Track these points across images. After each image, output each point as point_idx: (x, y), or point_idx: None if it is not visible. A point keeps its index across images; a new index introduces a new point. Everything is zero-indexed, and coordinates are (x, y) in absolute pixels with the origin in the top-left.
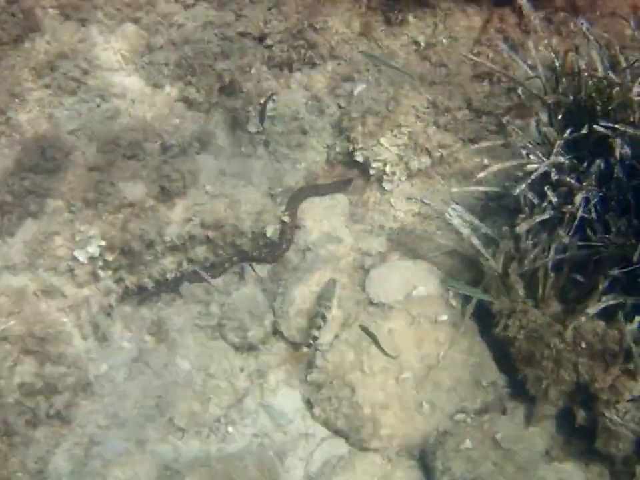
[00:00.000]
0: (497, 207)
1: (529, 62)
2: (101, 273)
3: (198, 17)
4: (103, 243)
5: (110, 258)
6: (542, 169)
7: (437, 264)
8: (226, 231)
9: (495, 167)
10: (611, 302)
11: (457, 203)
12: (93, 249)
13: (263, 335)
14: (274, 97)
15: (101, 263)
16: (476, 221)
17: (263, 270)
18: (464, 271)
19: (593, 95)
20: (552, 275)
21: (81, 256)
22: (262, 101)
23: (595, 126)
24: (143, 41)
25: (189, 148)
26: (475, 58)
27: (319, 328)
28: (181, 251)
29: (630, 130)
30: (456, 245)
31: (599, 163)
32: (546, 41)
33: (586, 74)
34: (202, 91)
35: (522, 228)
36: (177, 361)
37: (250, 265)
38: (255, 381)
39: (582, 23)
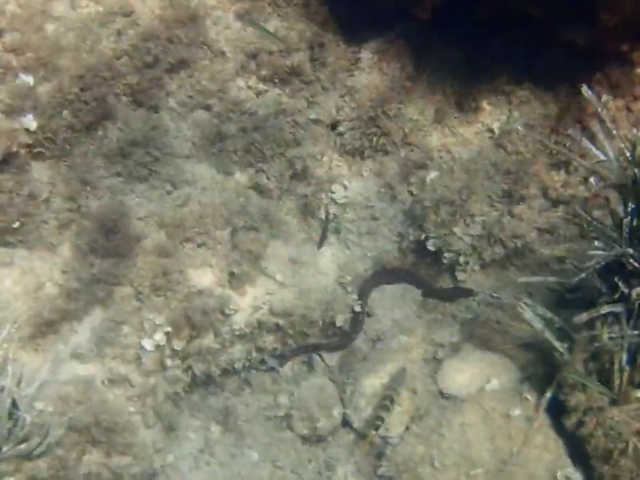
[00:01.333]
0: (574, 299)
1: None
2: (169, 362)
3: (270, 104)
4: (170, 329)
5: (178, 347)
6: (608, 258)
7: (511, 356)
8: (295, 320)
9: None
10: None
11: (529, 295)
12: (159, 337)
13: (331, 427)
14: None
15: (168, 352)
16: (549, 314)
17: (331, 360)
18: (539, 364)
19: None
20: (627, 368)
21: (148, 344)
22: (323, 218)
23: None
24: (215, 128)
25: (259, 235)
26: (551, 145)
27: (386, 410)
28: (249, 340)
29: None
30: (531, 337)
31: None
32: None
33: None
34: (273, 177)
35: (582, 319)
36: (244, 452)
37: (319, 354)
38: (324, 473)
39: None
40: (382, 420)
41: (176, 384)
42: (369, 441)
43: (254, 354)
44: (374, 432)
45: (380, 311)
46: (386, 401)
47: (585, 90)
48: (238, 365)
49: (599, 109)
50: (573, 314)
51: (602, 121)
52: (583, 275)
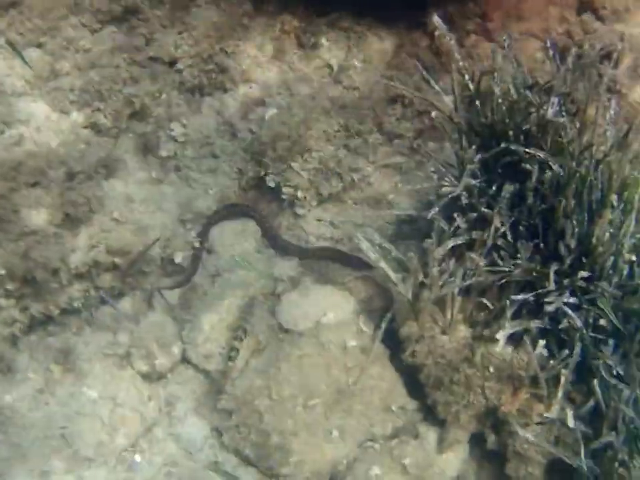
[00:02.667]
0: (411, 231)
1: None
2: (3, 302)
3: (105, 41)
4: (3, 272)
5: (11, 287)
6: (456, 191)
7: (349, 289)
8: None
9: (405, 188)
10: (517, 328)
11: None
12: None
13: (171, 364)
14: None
15: (2, 292)
16: (385, 244)
17: (173, 297)
18: (377, 297)
19: (506, 117)
20: (459, 298)
21: None
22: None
23: (509, 146)
24: (48, 66)
25: (95, 175)
26: (387, 81)
27: (240, 340)
28: (87, 279)
29: (541, 154)
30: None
31: (509, 187)
32: (460, 64)
33: (498, 94)
34: (110, 116)
35: (437, 254)
36: (83, 391)
37: (159, 291)
38: (164, 409)
39: (504, 39)
40: (237, 351)
41: (12, 325)
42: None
43: (92, 292)
44: (230, 363)
45: (220, 248)
46: (238, 331)
47: (436, 19)
48: (77, 304)
49: (449, 39)
50: (409, 246)
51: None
52: (436, 209)
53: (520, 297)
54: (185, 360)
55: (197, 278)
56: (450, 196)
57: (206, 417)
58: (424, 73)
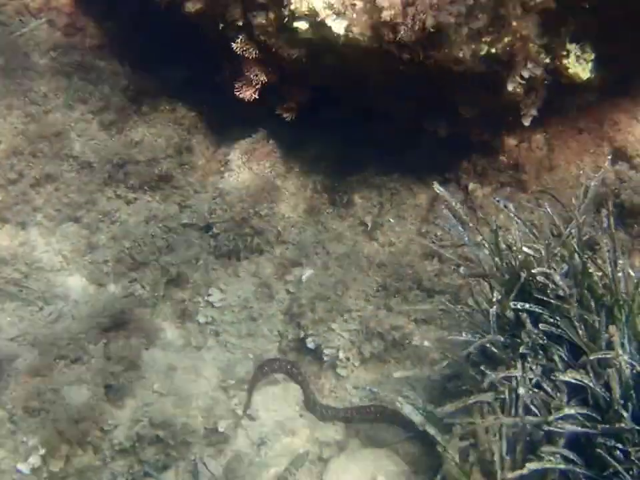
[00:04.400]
0: (456, 389)
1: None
2: None
3: (140, 211)
4: (44, 451)
5: (55, 468)
6: (472, 348)
7: (397, 451)
8: (176, 430)
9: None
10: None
11: (411, 387)
12: (34, 460)
13: None
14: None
15: (45, 475)
16: (428, 407)
17: (217, 467)
18: (425, 457)
19: (522, 272)
20: (508, 458)
21: (24, 468)
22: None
23: (512, 304)
24: (84, 240)
25: (135, 345)
26: (420, 240)
27: None
28: (131, 454)
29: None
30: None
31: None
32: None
33: (514, 250)
34: (147, 286)
35: (445, 410)
36: None
37: (203, 462)
38: None
39: (498, 201)
40: None
41: None
42: None
43: (136, 467)
44: None
45: (263, 413)
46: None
47: (437, 187)
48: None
49: (453, 204)
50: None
51: (455, 215)
52: (445, 362)
53: None
54: None
55: (240, 447)
56: (471, 351)
57: None
58: (458, 228)
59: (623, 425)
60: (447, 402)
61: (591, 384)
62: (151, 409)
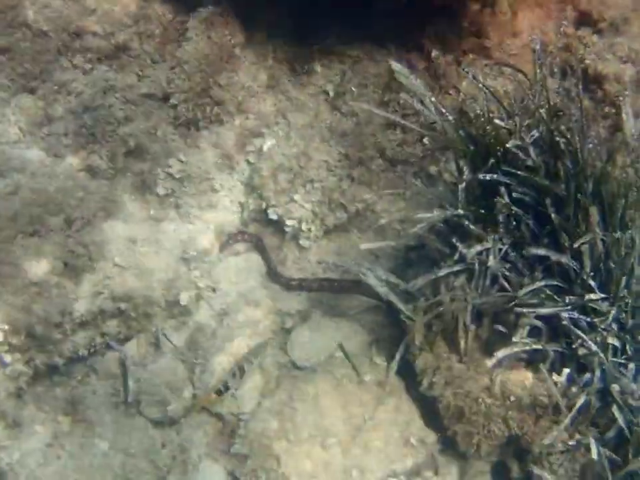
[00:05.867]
0: (418, 258)
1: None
2: (8, 357)
3: (97, 82)
4: (7, 327)
5: (16, 341)
6: (435, 219)
7: (360, 321)
8: (137, 302)
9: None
10: (527, 347)
11: (376, 257)
12: None
13: (183, 408)
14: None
15: (6, 347)
16: (392, 278)
17: (179, 339)
18: (388, 327)
19: (491, 141)
20: (472, 327)
21: None
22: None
23: (481, 175)
24: (41, 111)
25: (94, 219)
26: (379, 112)
27: (233, 376)
28: (92, 326)
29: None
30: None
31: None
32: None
33: (482, 120)
34: (105, 157)
35: (416, 284)
36: (94, 442)
37: (163, 333)
38: (178, 457)
39: (466, 71)
40: (225, 385)
41: (18, 379)
42: (204, 399)
43: (98, 339)
44: (214, 394)
45: (225, 285)
46: (235, 368)
47: (394, 65)
48: (82, 352)
49: (412, 81)
50: (419, 272)
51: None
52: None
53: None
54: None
55: (202, 318)
56: (435, 222)
57: (221, 461)
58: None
59: (591, 295)
60: (410, 270)
61: (564, 259)
62: (111, 282)
